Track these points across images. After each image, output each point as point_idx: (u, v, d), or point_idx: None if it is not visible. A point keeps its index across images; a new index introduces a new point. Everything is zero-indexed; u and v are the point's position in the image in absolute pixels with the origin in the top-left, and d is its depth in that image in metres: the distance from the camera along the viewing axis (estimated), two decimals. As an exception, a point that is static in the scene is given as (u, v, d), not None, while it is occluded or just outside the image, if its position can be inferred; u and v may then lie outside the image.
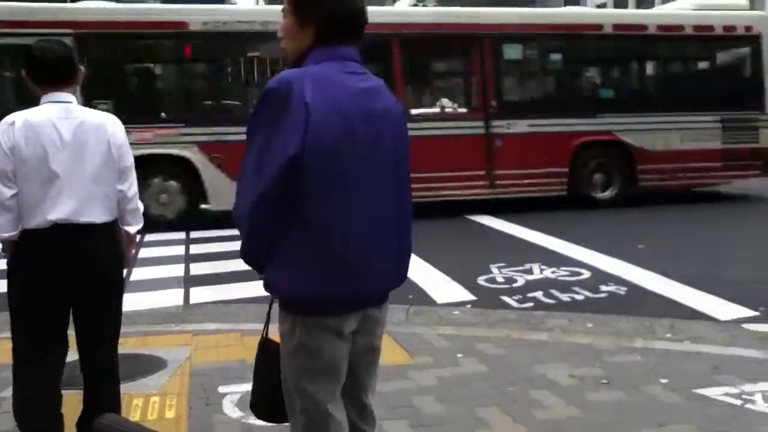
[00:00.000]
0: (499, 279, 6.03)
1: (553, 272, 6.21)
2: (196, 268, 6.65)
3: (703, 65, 11.87)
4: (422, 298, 5.43)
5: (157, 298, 5.56)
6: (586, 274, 6.13)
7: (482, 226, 9.14)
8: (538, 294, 5.51)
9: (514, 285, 5.82)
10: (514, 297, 5.44)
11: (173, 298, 5.64)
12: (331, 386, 1.81)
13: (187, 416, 3.13)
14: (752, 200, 11.26)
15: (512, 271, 6.28)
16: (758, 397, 3.24)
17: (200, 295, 5.70)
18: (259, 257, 1.75)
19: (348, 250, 1.70)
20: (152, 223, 8.71)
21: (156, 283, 6.11)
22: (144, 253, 7.34)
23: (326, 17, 1.76)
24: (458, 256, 7.17)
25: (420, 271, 6.36)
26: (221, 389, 3.39)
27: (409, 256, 1.91)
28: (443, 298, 5.42)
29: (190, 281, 6.19)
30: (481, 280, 5.97)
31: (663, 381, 3.47)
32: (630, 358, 3.82)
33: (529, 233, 8.27)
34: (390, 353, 3.91)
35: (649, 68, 11.59)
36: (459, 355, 3.86)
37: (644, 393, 3.32)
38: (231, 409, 3.18)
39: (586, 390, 3.36)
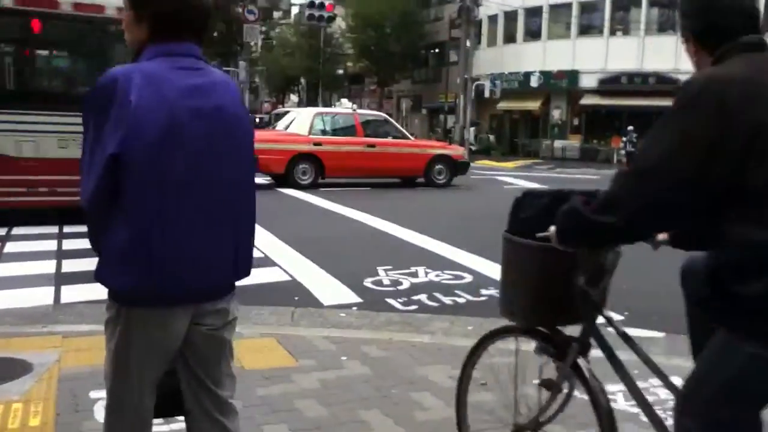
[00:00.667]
0: (386, 281, 6.12)
1: (437, 276, 6.38)
2: (69, 265, 6.29)
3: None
4: (308, 300, 5.42)
5: (25, 296, 5.21)
6: (468, 278, 6.35)
7: (372, 229, 9.25)
8: (423, 297, 5.64)
9: (400, 288, 5.93)
10: (399, 300, 5.54)
11: (42, 296, 5.30)
12: (149, 374, 1.85)
13: (54, 423, 2.96)
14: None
15: (398, 273, 6.39)
16: (619, 396, 3.48)
17: (72, 294, 5.39)
18: (95, 246, 1.80)
19: (167, 247, 1.72)
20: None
21: (23, 280, 5.73)
22: (10, 247, 6.85)
23: (157, 13, 1.78)
24: (346, 258, 7.22)
25: (307, 272, 6.35)
26: (93, 394, 3.22)
27: (250, 254, 1.96)
28: (329, 300, 5.44)
29: (61, 279, 5.84)
30: (367, 282, 6.03)
31: (535, 382, 3.64)
32: (506, 360, 3.98)
33: (415, 236, 8.46)
34: (274, 356, 3.88)
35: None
36: (343, 358, 3.89)
37: (519, 393, 3.47)
38: (103, 416, 3.02)
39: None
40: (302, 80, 52.75)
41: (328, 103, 49.07)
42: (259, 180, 14.90)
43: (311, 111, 16.26)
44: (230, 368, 2.00)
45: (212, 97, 1.80)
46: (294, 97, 57.38)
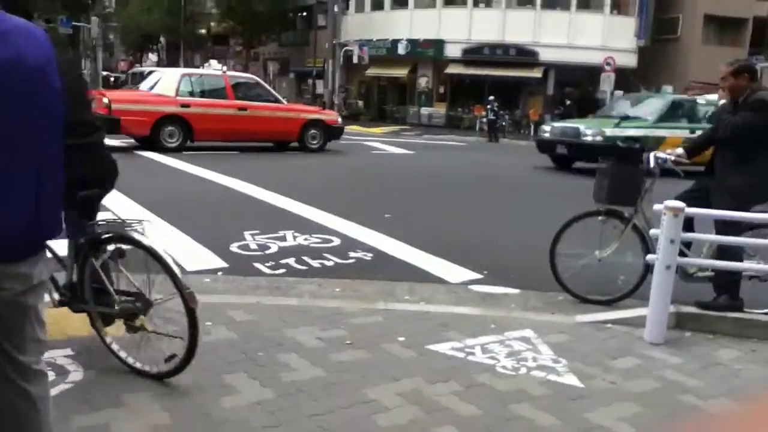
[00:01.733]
0: (253, 246, 6.02)
1: (305, 239, 6.36)
2: None
3: None
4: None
5: None
6: (336, 241, 6.38)
7: (239, 193, 9.03)
8: (291, 261, 5.60)
9: (267, 252, 5.85)
10: (267, 264, 5.47)
11: None
12: None
13: None
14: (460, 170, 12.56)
15: (266, 238, 6.30)
16: (478, 350, 3.66)
17: None
18: None
19: None
20: None
21: None
22: None
23: None
24: (211, 222, 7.01)
25: (168, 238, 6.10)
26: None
27: (57, 214, 1.87)
28: (193, 265, 5.26)
29: None
30: (233, 247, 5.90)
31: (400, 339, 3.76)
32: (372, 319, 4.07)
33: (284, 201, 8.37)
34: (133, 324, 3.71)
35: None
36: (208, 323, 3.78)
37: (383, 351, 3.57)
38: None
39: (331, 351, 3.51)
40: (162, 39, 50.04)
41: (190, 64, 46.92)
42: (115, 142, 14.06)
43: (178, 71, 15.53)
44: (36, 333, 1.90)
45: (6, 46, 1.66)
46: (153, 57, 54.27)
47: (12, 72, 1.66)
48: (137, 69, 34.65)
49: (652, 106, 15.23)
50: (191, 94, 14.28)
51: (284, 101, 16.36)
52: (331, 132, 16.16)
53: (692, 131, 13.13)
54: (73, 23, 31.90)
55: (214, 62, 17.46)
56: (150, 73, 16.22)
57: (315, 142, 15.76)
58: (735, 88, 4.51)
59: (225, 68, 16.36)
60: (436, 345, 3.69)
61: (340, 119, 16.92)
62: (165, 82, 14.29)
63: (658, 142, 12.30)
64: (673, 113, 14.72)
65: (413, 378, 3.24)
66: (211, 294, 4.45)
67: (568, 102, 29.13)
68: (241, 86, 15.37)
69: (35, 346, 1.90)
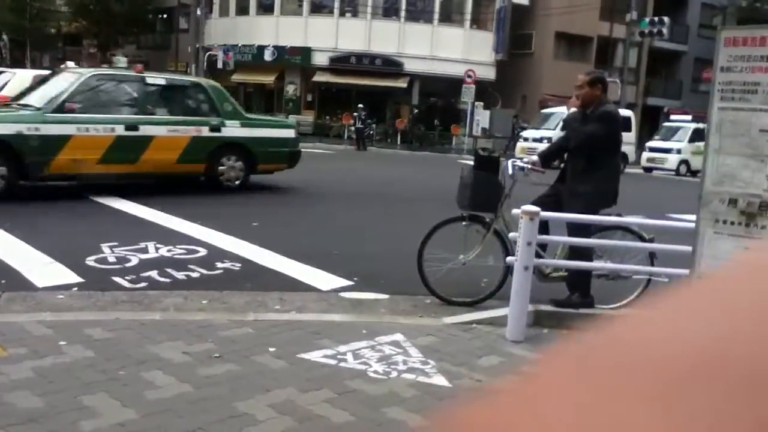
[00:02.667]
0: (111, 259, 5.69)
1: (169, 251, 6.10)
2: None
3: None
4: (18, 282, 4.83)
5: None
6: (202, 251, 6.18)
7: (93, 203, 8.51)
8: (153, 273, 5.35)
9: (127, 265, 5.56)
10: (127, 277, 5.19)
11: None
12: None
13: None
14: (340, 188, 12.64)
15: (125, 250, 5.98)
16: (350, 356, 3.68)
17: None
18: None
19: None
20: None
21: None
22: None
23: None
24: (64, 235, 6.56)
25: (15, 252, 5.64)
26: None
27: None
28: (45, 281, 4.89)
29: None
30: (90, 261, 5.55)
31: (271, 350, 3.70)
32: (242, 331, 3.98)
33: (142, 210, 7.98)
34: (-26, 347, 3.39)
35: None
36: (62, 343, 3.54)
37: (254, 362, 3.50)
38: None
39: (198, 366, 3.39)
40: (4, 37, 46.22)
41: (38, 64, 43.67)
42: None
43: (31, 73, 14.41)
44: None
45: None
46: (-5, 56, 50.00)
47: None
48: (-24, 68, 31.83)
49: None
50: None
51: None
52: None
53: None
54: None
55: (71, 64, 16.34)
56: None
57: None
58: (589, 96, 4.86)
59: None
60: (308, 353, 3.67)
61: None
62: (16, 84, 13.16)
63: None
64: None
65: (285, 388, 3.20)
66: (65, 312, 4.17)
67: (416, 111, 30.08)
68: None
69: None
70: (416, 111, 32.16)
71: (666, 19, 28.39)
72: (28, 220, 7.03)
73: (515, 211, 4.37)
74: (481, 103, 29.34)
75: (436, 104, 32.03)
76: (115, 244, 6.14)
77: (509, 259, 4.59)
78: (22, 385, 3.01)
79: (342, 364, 3.57)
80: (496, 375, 3.56)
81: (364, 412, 3.01)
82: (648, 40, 32.99)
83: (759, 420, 0.20)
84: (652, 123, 33.70)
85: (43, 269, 5.19)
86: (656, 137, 25.20)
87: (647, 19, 29.31)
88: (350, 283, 5.42)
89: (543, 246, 4.69)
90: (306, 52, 32.62)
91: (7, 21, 40.40)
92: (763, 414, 0.20)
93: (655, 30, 28.02)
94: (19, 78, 13.72)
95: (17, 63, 40.20)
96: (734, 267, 0.29)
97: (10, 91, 12.87)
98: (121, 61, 11.67)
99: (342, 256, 6.35)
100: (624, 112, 16.02)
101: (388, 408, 3.07)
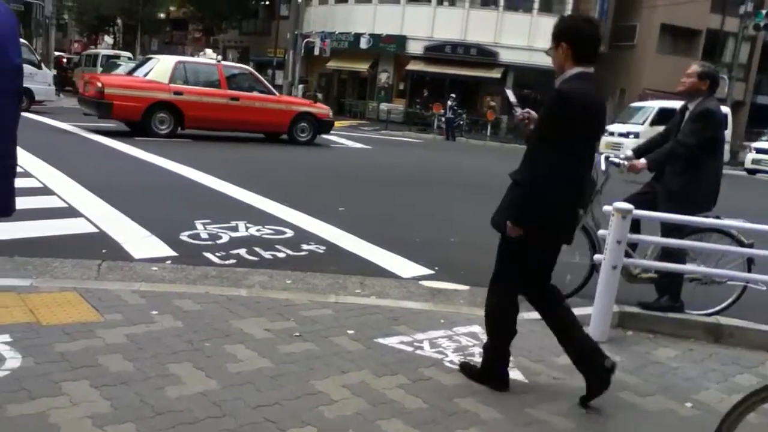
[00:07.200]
0: (204, 235, 5.93)
1: (258, 230, 6.30)
2: None
3: None
4: (118, 252, 5.11)
5: None
6: (289, 233, 6.34)
7: (190, 181, 8.89)
8: (242, 251, 5.54)
9: (218, 242, 5.78)
10: (218, 254, 5.40)
11: None
12: None
13: None
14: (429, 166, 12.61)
15: (217, 227, 6.22)
16: (426, 344, 3.69)
17: None
18: None
19: None
20: None
21: None
22: None
23: None
24: (162, 210, 6.89)
25: (116, 224, 5.98)
26: None
27: (8, 192, 1.84)
28: (141, 253, 5.16)
29: None
30: (184, 236, 5.80)
31: (349, 332, 3.76)
32: (322, 312, 4.06)
33: (237, 191, 8.27)
34: (76, 311, 3.63)
35: None
36: (154, 312, 3.73)
37: (332, 343, 3.57)
38: None
39: (279, 343, 3.49)
40: (119, 21, 48.80)
41: (147, 48, 45.91)
42: (63, 127, 13.66)
43: (172, 59, 15.38)
44: None
45: None
46: (109, 39, 52.86)
47: None
48: (91, 51, 33.79)
49: None
50: (185, 82, 14.16)
51: (277, 93, 16.31)
52: (322, 126, 16.21)
53: None
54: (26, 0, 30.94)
55: (209, 51, 17.24)
56: (102, 55, 15.87)
57: (304, 135, 15.79)
58: (693, 87, 4.62)
59: (219, 57, 16.25)
60: (385, 339, 3.70)
61: (331, 113, 16.91)
62: (159, 69, 14.18)
63: None
64: None
65: (361, 371, 3.25)
66: (158, 283, 4.38)
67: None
68: (235, 76, 15.34)
69: None
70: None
71: (785, 11, 26.57)
72: (131, 196, 7.43)
73: (606, 207, 4.23)
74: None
75: (530, 95, 31.33)
76: (208, 221, 6.40)
77: (596, 256, 4.45)
78: (115, 349, 3.19)
79: (418, 352, 3.59)
80: (574, 374, 3.48)
81: (437, 400, 3.01)
82: (762, 34, 30.99)
83: None
84: (760, 123, 31.69)
85: (140, 242, 5.48)
86: (763, 138, 23.71)
87: (765, 11, 27.45)
88: (431, 271, 5.42)
89: (633, 245, 4.52)
90: (401, 40, 32.70)
91: (122, 6, 42.63)
92: None
93: (772, 23, 26.26)
94: (163, 62, 14.72)
95: (128, 46, 42.44)
96: None
97: (156, 75, 13.93)
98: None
99: (424, 244, 6.36)
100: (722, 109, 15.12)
101: (461, 399, 3.06)
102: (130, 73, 15.34)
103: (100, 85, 13.39)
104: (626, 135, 19.66)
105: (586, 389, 3.12)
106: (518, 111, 3.32)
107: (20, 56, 1.78)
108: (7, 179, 1.82)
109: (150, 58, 16.00)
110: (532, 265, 3.17)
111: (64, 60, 34.40)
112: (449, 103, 25.67)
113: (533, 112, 3.25)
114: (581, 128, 2.96)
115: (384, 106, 33.75)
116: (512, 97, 3.92)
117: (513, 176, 3.08)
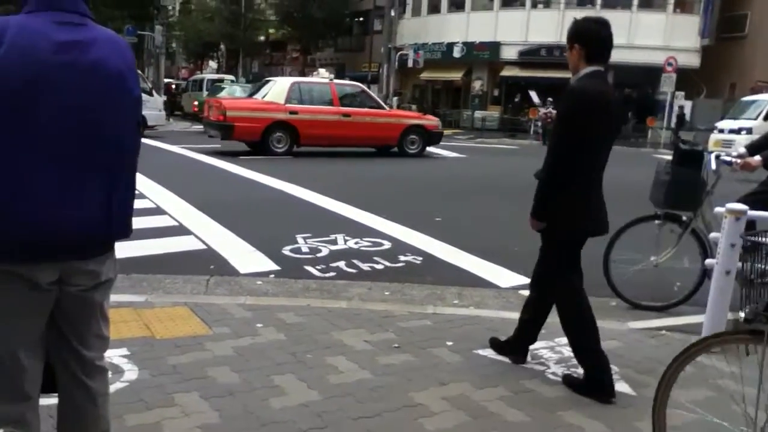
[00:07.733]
0: (304, 249, 6.09)
1: (356, 243, 6.40)
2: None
3: None
4: (224, 268, 5.34)
5: None
6: (386, 244, 6.40)
7: (290, 196, 9.16)
8: (341, 264, 5.65)
9: (318, 255, 5.92)
10: (318, 267, 5.53)
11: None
12: (16, 330, 1.82)
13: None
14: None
15: (317, 241, 6.37)
16: (527, 356, 3.61)
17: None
18: None
19: (24, 201, 1.70)
20: None
21: None
22: None
23: None
24: (265, 226, 7.14)
25: (223, 240, 6.25)
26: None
27: (127, 213, 1.92)
28: (246, 268, 5.37)
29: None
30: (286, 250, 5.99)
31: (448, 343, 3.74)
32: (421, 323, 4.07)
33: (337, 204, 8.44)
34: (187, 324, 3.81)
35: None
36: (258, 325, 3.86)
37: (431, 354, 3.56)
38: None
39: (378, 354, 3.52)
40: (222, 46, 51.18)
41: (248, 70, 47.78)
42: (191, 150, 14.42)
43: (288, 80, 16.30)
44: (101, 330, 1.99)
45: (90, 53, 1.78)
46: (213, 64, 55.57)
47: (95, 74, 1.78)
48: (197, 76, 35.56)
49: None
50: (300, 101, 14.88)
51: (387, 108, 16.80)
52: (431, 137, 16.60)
53: None
54: (138, 32, 33.03)
55: (322, 71, 18.00)
56: (206, 80, 16.58)
57: (414, 147, 16.22)
58: None
59: (332, 76, 17.01)
60: (485, 350, 3.66)
61: (440, 125, 17.22)
62: (276, 90, 14.99)
63: None
64: None
65: (461, 383, 3.23)
66: (262, 296, 4.54)
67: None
68: (347, 93, 16.00)
69: (99, 342, 1.99)
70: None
71: None
72: (237, 213, 7.75)
73: (718, 209, 4.00)
74: (682, 93, 27.15)
75: (630, 95, 30.14)
76: (309, 235, 6.57)
77: (708, 261, 4.21)
78: (223, 361, 3.33)
79: (518, 363, 3.52)
80: (686, 386, 3.29)
81: (540, 413, 2.94)
82: None
83: None
84: None
85: (245, 257, 5.70)
86: None
87: None
88: (530, 280, 5.30)
89: (748, 249, 4.24)
90: (494, 47, 32.35)
91: (224, 32, 44.69)
92: None
93: None
94: (279, 84, 15.56)
95: (231, 70, 44.38)
96: None
97: (273, 96, 14.75)
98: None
99: (522, 253, 6.23)
100: None
101: (564, 411, 2.97)
102: (251, 95, 16.19)
103: (222, 108, 14.31)
104: (738, 131, 18.53)
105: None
106: (541, 111, 3.54)
107: (139, 87, 1.92)
108: (132, 206, 1.96)
109: (268, 80, 16.81)
110: (569, 257, 3.40)
111: (173, 86, 36.41)
112: (541, 110, 25.06)
113: (555, 111, 3.42)
114: (594, 122, 3.07)
115: (478, 113, 33.48)
116: (536, 98, 4.01)
117: (536, 176, 3.32)
